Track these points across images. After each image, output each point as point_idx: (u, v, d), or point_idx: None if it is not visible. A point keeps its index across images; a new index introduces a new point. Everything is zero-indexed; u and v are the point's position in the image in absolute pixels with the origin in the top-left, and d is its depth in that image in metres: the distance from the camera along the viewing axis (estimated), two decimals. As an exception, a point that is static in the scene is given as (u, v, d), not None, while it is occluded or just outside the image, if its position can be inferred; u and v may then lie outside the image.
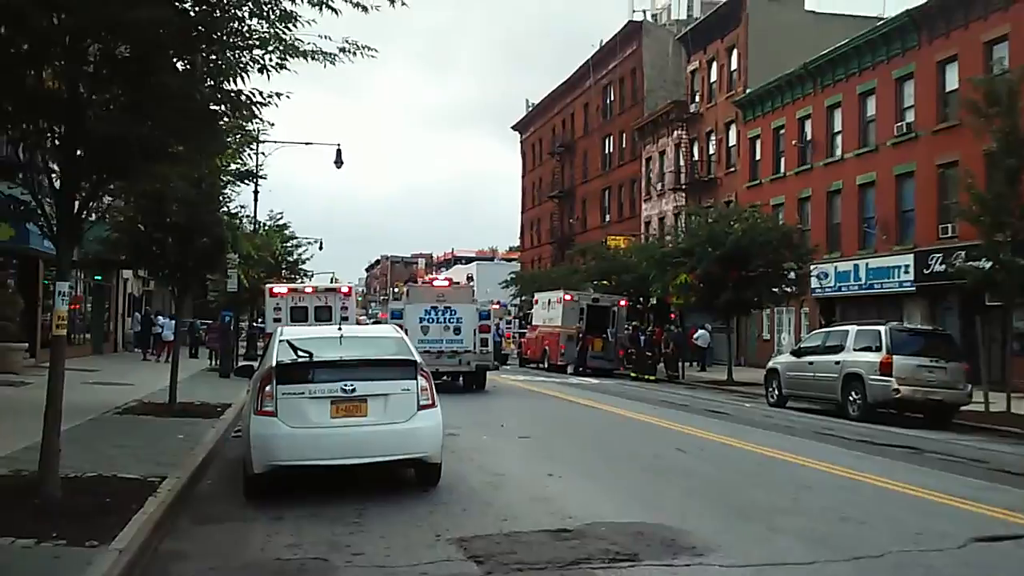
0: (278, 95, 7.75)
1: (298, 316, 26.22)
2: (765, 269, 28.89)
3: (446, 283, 24.32)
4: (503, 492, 9.20)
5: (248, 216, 16.45)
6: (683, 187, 45.60)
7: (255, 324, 41.36)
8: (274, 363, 8.87)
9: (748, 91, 39.64)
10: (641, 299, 39.40)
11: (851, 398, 18.78)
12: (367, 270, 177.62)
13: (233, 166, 15.89)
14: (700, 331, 37.61)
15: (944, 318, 27.60)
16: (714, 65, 43.89)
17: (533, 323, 38.68)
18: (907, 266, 29.29)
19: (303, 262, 41.12)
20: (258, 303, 34.76)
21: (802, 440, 14.69)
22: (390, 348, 9.59)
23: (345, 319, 26.37)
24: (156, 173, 8.40)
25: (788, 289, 29.86)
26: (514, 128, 76.51)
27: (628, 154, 53.66)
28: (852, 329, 19.65)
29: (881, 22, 31.61)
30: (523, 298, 55.53)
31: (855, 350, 19.04)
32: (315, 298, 26.57)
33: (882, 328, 18.73)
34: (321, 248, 44.79)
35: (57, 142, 7.46)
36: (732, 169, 41.69)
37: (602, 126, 57.57)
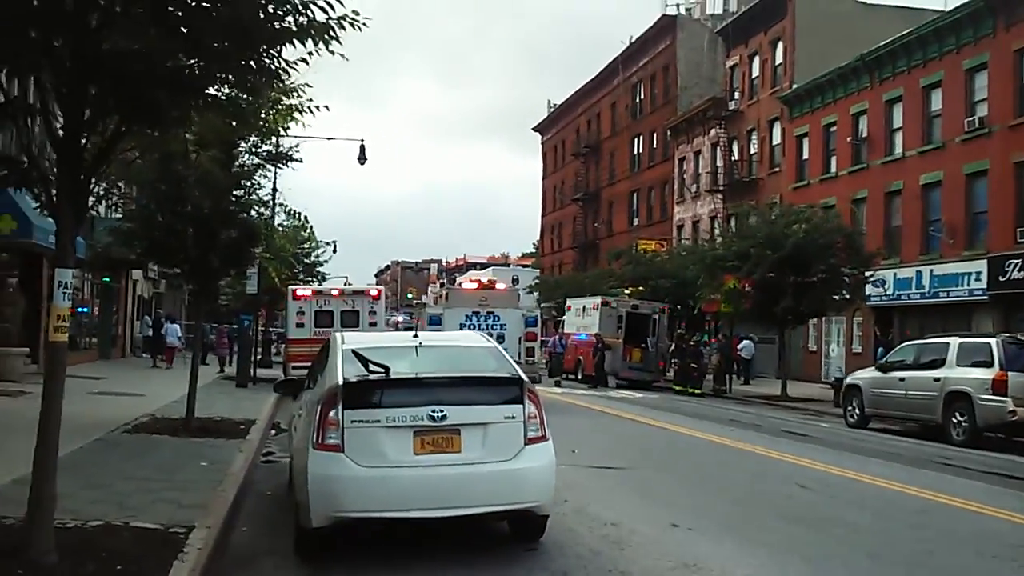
0: (355, 14, 5.64)
1: (323, 321, 24.22)
2: (825, 275, 26.73)
3: (489, 285, 22.20)
4: (634, 554, 7.05)
5: (281, 205, 14.38)
6: (721, 188, 43.39)
7: (270, 328, 39.40)
8: (340, 380, 6.74)
9: (795, 86, 37.45)
10: (678, 306, 37.19)
11: (955, 420, 16.56)
12: (376, 276, 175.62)
13: (264, 147, 13.78)
14: (745, 342, 35.36)
15: (1020, 329, 25.27)
16: (756, 59, 41.68)
17: (565, 330, 36.49)
18: (979, 273, 27.02)
19: (320, 264, 39.07)
20: (276, 305, 32.78)
21: (929, 472, 12.53)
22: (486, 362, 7.45)
23: (373, 325, 24.36)
24: (190, 120, 6.29)
25: (847, 296, 27.65)
26: (535, 129, 74.35)
27: (659, 155, 51.48)
28: (954, 342, 17.43)
29: (950, 9, 29.38)
30: (544, 304, 53.39)
31: (959, 366, 16.83)
32: (342, 302, 24.51)
33: (993, 341, 16.52)
34: (335, 251, 42.71)
35: (60, 70, 5.39)
36: (776, 169, 39.46)
37: (631, 125, 55.39)
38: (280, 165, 14.15)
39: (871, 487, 10.79)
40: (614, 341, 32.31)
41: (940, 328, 28.93)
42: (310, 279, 38.14)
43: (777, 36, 39.83)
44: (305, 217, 12.89)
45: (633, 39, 55.05)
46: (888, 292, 30.64)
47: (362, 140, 31.30)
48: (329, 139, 32.30)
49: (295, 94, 7.10)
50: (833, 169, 35.28)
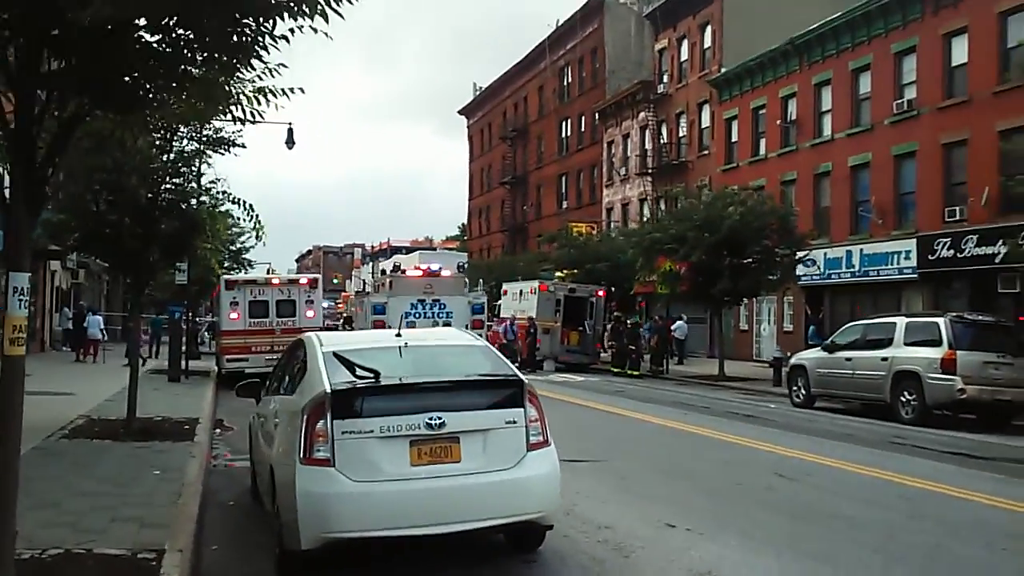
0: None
1: (257, 311, 23.37)
2: (760, 256, 27.02)
3: (435, 272, 21.65)
4: (641, 561, 6.72)
5: (225, 192, 13.42)
6: (650, 171, 43.51)
7: (196, 319, 38.05)
8: (327, 388, 6.21)
9: (724, 69, 37.68)
10: (612, 288, 37.20)
11: (903, 399, 16.78)
12: (297, 260, 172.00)
13: (204, 132, 12.88)
14: (678, 323, 35.60)
15: (949, 307, 25.88)
16: (685, 43, 41.80)
17: (501, 315, 36.15)
18: (908, 252, 27.61)
19: (246, 251, 37.73)
20: (205, 295, 31.57)
21: (895, 454, 12.57)
22: (479, 362, 7.02)
23: (310, 315, 23.58)
24: (160, 102, 5.66)
25: (780, 277, 27.94)
26: (461, 112, 73.55)
27: (587, 138, 51.40)
28: (900, 321, 17.65)
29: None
30: (477, 288, 52.91)
31: (906, 344, 17.06)
32: (277, 291, 23.62)
33: (941, 320, 16.76)
34: (260, 239, 41.13)
35: (10, 32, 4.76)
36: (705, 152, 39.72)
37: (558, 109, 55.17)
38: (221, 151, 13.30)
39: (847, 474, 10.72)
40: (552, 325, 32.17)
41: (871, 306, 29.70)
42: (235, 267, 36.82)
43: (706, 20, 39.97)
44: (250, 205, 12.03)
45: (560, 22, 54.77)
46: (819, 271, 31.11)
47: (290, 124, 30.06)
48: (254, 122, 31.02)
49: (270, 74, 6.44)
50: (762, 151, 35.65)
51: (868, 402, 18.08)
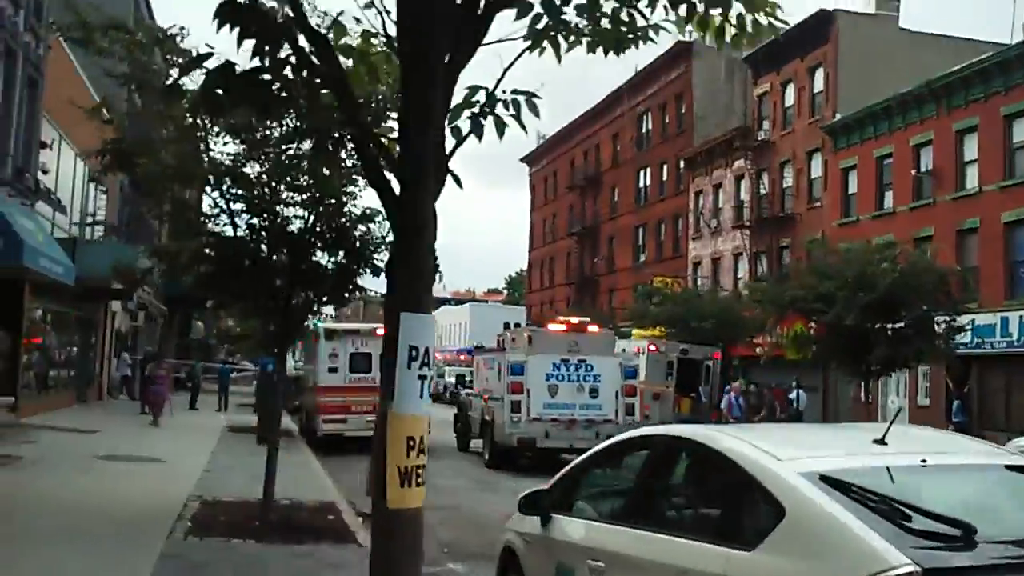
0: None
1: (359, 365, 20.88)
2: (921, 320, 23.67)
3: (581, 327, 18.64)
4: None
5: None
6: (748, 224, 40.44)
7: (265, 370, 35.27)
8: (904, 564, 3.09)
9: (839, 115, 34.75)
10: (724, 349, 33.88)
11: None
12: (336, 310, 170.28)
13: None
14: (798, 391, 32.10)
15: None
16: (790, 87, 38.99)
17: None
18: (1087, 319, 24.27)
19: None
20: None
21: None
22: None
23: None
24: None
25: (942, 345, 24.50)
26: (523, 160, 71.21)
27: (671, 187, 48.52)
28: None
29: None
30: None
31: None
32: (382, 343, 20.67)
33: None
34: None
35: None
36: (816, 204, 36.59)
37: (636, 157, 52.43)
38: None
39: None
40: (663, 390, 28.91)
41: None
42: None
43: (817, 62, 37.17)
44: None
45: (638, 67, 52.36)
46: (965, 340, 27.66)
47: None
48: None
49: None
50: (888, 204, 32.47)
51: None
